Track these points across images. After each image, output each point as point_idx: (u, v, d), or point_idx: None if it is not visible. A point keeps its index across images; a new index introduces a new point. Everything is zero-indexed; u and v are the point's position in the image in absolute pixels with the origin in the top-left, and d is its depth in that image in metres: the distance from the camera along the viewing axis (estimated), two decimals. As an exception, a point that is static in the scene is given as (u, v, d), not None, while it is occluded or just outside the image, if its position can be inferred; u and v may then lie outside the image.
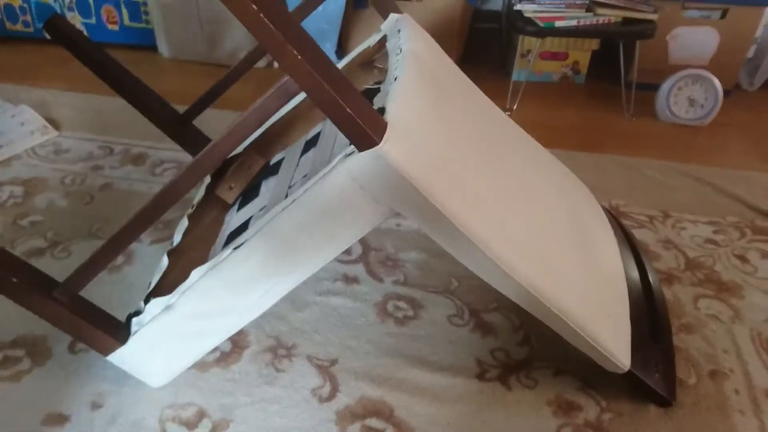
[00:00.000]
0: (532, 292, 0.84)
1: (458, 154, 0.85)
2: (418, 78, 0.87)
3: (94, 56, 1.19)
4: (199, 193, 1.23)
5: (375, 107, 0.80)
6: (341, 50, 2.06)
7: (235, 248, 0.84)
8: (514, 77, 2.04)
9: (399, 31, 1.01)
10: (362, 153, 0.73)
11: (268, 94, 0.73)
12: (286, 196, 1.04)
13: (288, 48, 0.65)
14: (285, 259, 0.85)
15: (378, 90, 0.93)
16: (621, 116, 1.92)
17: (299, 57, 0.66)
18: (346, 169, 0.75)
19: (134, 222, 0.84)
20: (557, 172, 1.19)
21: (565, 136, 1.80)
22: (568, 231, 1.03)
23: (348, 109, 0.70)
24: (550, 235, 0.97)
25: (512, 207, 0.91)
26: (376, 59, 1.12)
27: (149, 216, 0.85)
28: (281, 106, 0.73)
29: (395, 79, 0.84)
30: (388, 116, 0.76)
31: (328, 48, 2.04)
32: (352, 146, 0.74)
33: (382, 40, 1.07)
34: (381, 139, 0.72)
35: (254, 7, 0.63)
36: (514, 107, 1.92)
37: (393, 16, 1.08)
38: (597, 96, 2.06)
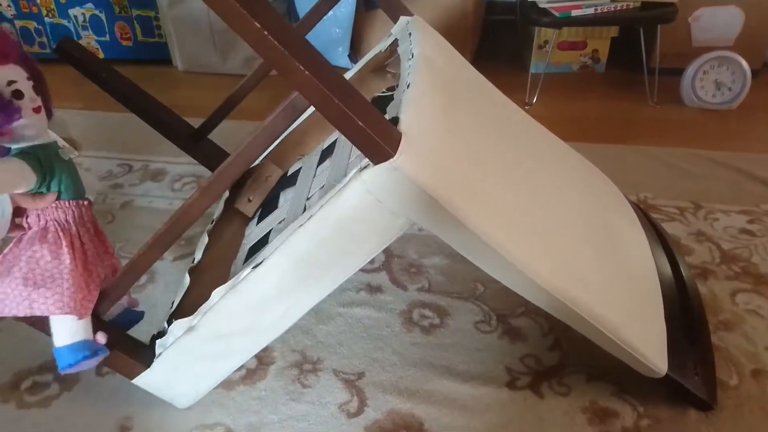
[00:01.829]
0: (561, 299, 0.81)
1: (475, 160, 0.82)
2: (431, 84, 0.84)
3: (106, 76, 1.19)
4: (219, 207, 1.23)
5: (388, 117, 0.78)
6: (354, 53, 2.04)
7: (254, 267, 0.82)
8: (532, 70, 2.00)
9: (410, 34, 0.98)
10: (377, 166, 0.71)
11: (276, 112, 0.71)
12: (305, 209, 1.03)
13: (294, 64, 0.63)
14: (304, 276, 0.83)
15: (391, 97, 0.91)
16: (645, 104, 1.87)
17: (306, 73, 0.64)
18: (362, 183, 0.73)
19: (150, 248, 0.83)
20: (581, 169, 1.16)
21: (587, 128, 1.75)
22: (595, 231, 0.99)
23: (360, 123, 0.67)
24: (576, 237, 0.94)
25: (535, 211, 0.88)
26: (388, 64, 1.09)
27: (164, 241, 0.83)
28: (291, 123, 0.72)
29: (408, 86, 0.82)
30: (402, 126, 0.73)
31: (341, 52, 2.02)
32: (367, 159, 0.72)
33: (394, 45, 1.04)
34: (396, 150, 0.70)
35: (257, 24, 0.61)
36: (533, 101, 1.88)
37: (403, 19, 1.06)
38: (619, 84, 2.01)
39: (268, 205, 1.21)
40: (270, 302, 0.86)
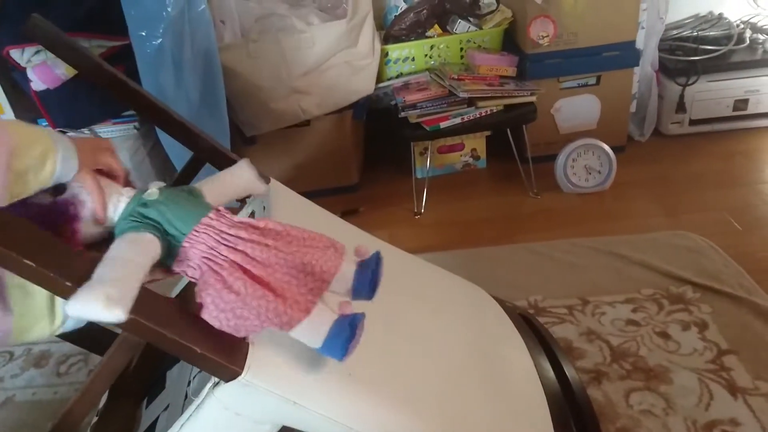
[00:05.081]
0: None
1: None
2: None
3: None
4: (103, 397, 1.16)
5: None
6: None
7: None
8: (418, 174, 2.06)
9: (264, 208, 0.99)
10: (228, 384, 0.69)
11: (113, 349, 0.69)
12: (186, 396, 0.99)
13: (117, 311, 0.61)
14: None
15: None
16: (526, 195, 1.95)
17: (133, 317, 0.62)
18: (217, 400, 0.71)
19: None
20: (458, 299, 1.17)
21: (475, 230, 1.80)
22: (478, 379, 0.99)
23: (199, 350, 0.66)
24: (461, 387, 0.94)
25: (410, 378, 0.88)
26: (251, 235, 1.09)
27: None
28: (131, 356, 0.69)
29: (258, 280, 0.81)
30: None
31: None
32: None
33: (252, 215, 1.05)
34: (243, 366, 0.68)
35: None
36: (422, 209, 1.92)
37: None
38: (501, 177, 2.09)
39: (156, 385, 1.15)
40: None
